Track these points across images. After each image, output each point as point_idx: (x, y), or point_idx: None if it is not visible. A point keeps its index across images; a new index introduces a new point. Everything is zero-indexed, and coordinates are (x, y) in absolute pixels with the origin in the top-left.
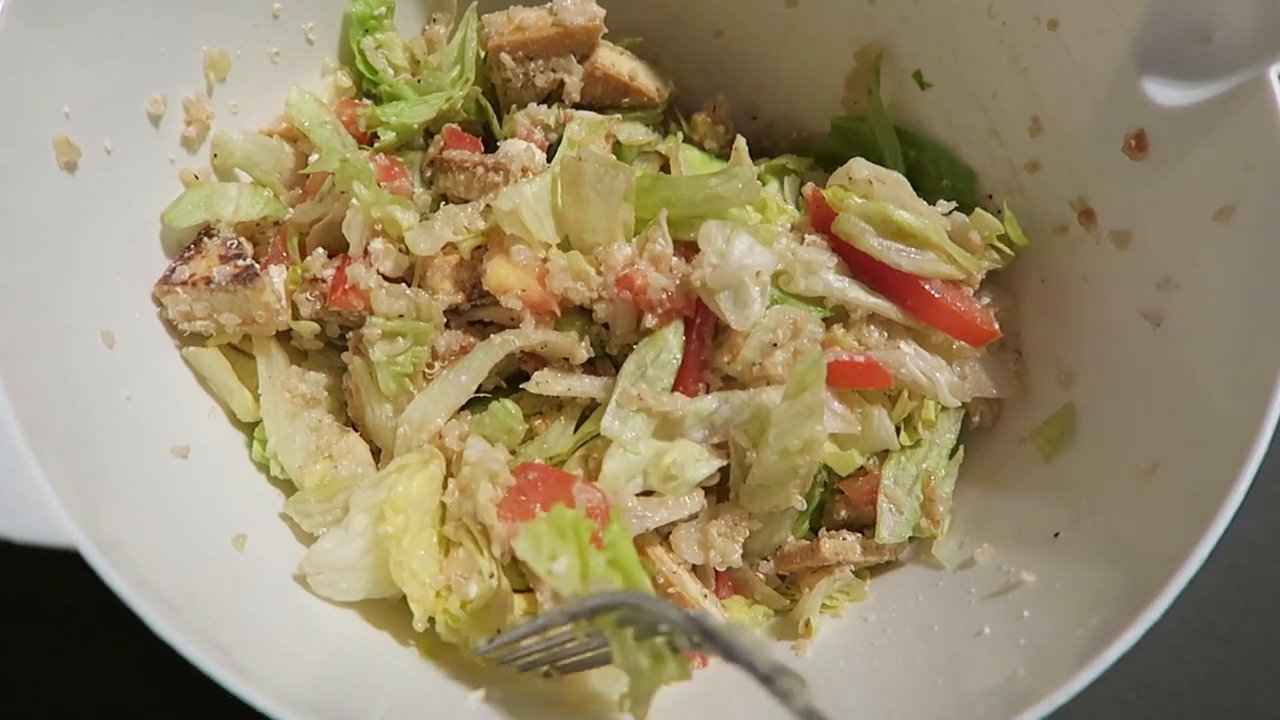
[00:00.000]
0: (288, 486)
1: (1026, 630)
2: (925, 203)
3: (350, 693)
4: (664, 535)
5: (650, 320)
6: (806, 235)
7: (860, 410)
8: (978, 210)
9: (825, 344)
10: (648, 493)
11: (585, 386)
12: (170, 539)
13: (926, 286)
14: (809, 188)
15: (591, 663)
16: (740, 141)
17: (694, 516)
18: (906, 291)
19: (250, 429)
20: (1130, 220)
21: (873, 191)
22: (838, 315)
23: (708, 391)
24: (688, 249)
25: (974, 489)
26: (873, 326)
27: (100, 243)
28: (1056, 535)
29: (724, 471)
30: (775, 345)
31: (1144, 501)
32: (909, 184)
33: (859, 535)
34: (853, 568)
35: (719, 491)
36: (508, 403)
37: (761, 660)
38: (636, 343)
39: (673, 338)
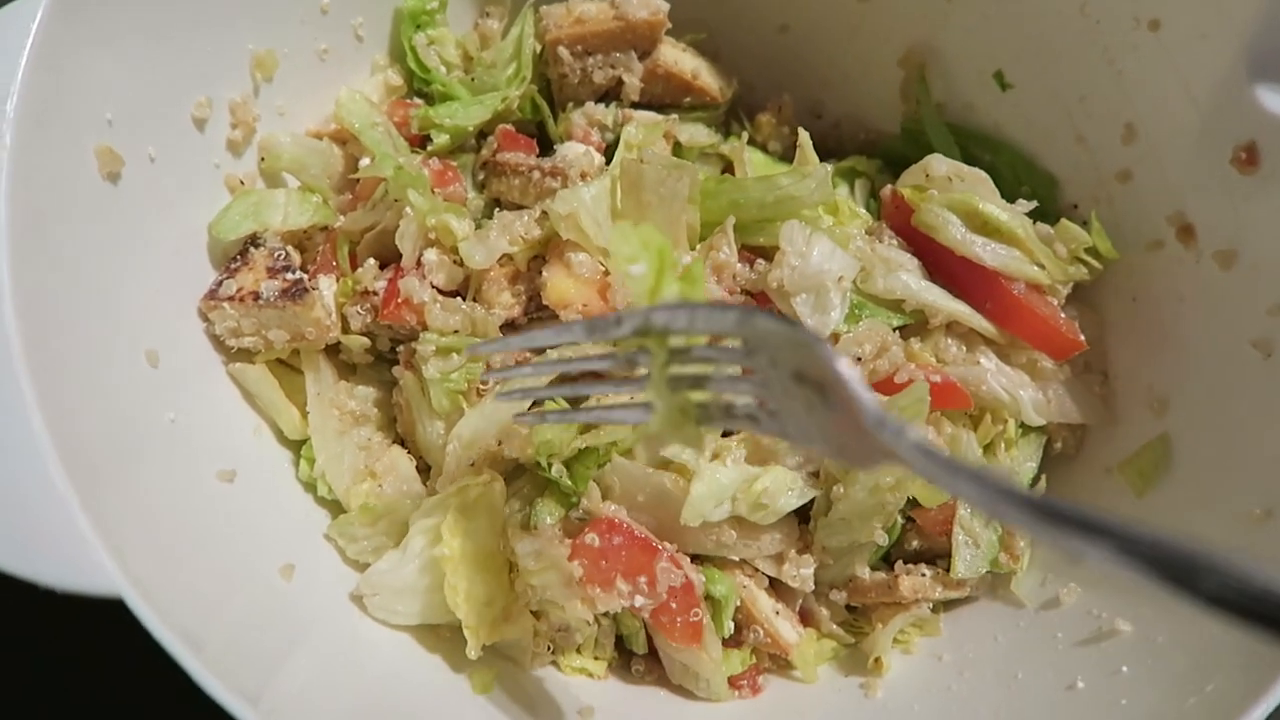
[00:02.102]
0: (335, 506)
1: (1127, 689)
2: (1007, 203)
3: None
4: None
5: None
6: (882, 239)
7: (949, 433)
8: (1063, 221)
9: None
10: (735, 518)
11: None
12: (218, 580)
13: (1010, 287)
14: (887, 189)
15: (606, 414)
16: (804, 136)
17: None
18: (988, 293)
19: (297, 446)
20: (1236, 239)
21: (952, 189)
22: (914, 325)
23: None
24: (754, 255)
25: None
26: (950, 340)
27: (143, 256)
28: None
29: None
30: (859, 360)
31: (1256, 552)
32: (991, 181)
33: (933, 567)
34: (929, 604)
35: (799, 513)
36: (562, 400)
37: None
38: None
39: None
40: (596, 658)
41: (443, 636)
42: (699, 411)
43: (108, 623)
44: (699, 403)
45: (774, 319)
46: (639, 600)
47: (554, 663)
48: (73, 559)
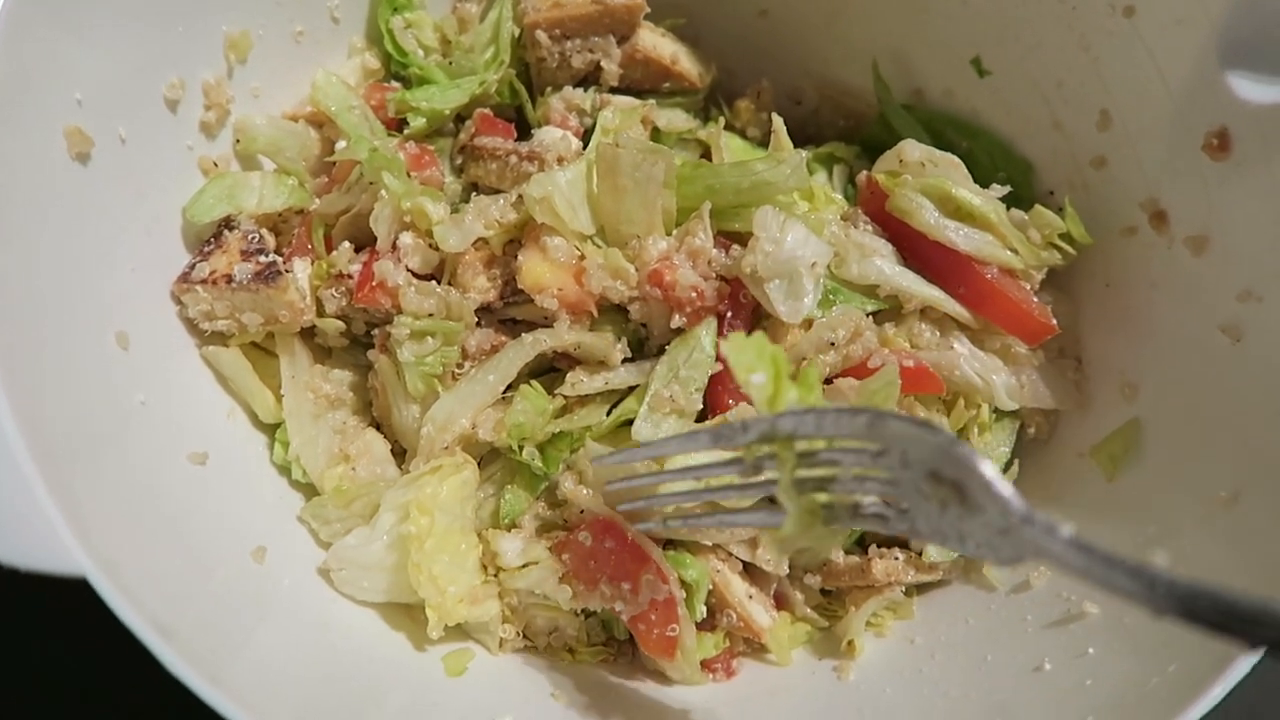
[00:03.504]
0: (309, 490)
1: (1093, 670)
2: (980, 187)
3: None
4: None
5: (678, 319)
6: (857, 225)
7: (921, 418)
8: (1037, 206)
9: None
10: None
11: (622, 378)
12: (188, 561)
13: (983, 271)
14: (863, 175)
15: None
16: (778, 122)
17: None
18: (961, 278)
19: (271, 430)
20: (1208, 225)
21: (925, 174)
22: (888, 310)
23: None
24: (730, 240)
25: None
26: (924, 325)
27: (114, 237)
28: None
29: None
30: (832, 345)
31: (1222, 534)
32: (964, 166)
33: (906, 551)
34: (902, 587)
35: (771, 496)
36: (536, 384)
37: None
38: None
39: (706, 337)
40: (592, 645)
41: (414, 616)
42: (826, 513)
43: (75, 596)
44: (825, 503)
45: (906, 421)
46: (619, 605)
47: (530, 646)
48: (37, 539)
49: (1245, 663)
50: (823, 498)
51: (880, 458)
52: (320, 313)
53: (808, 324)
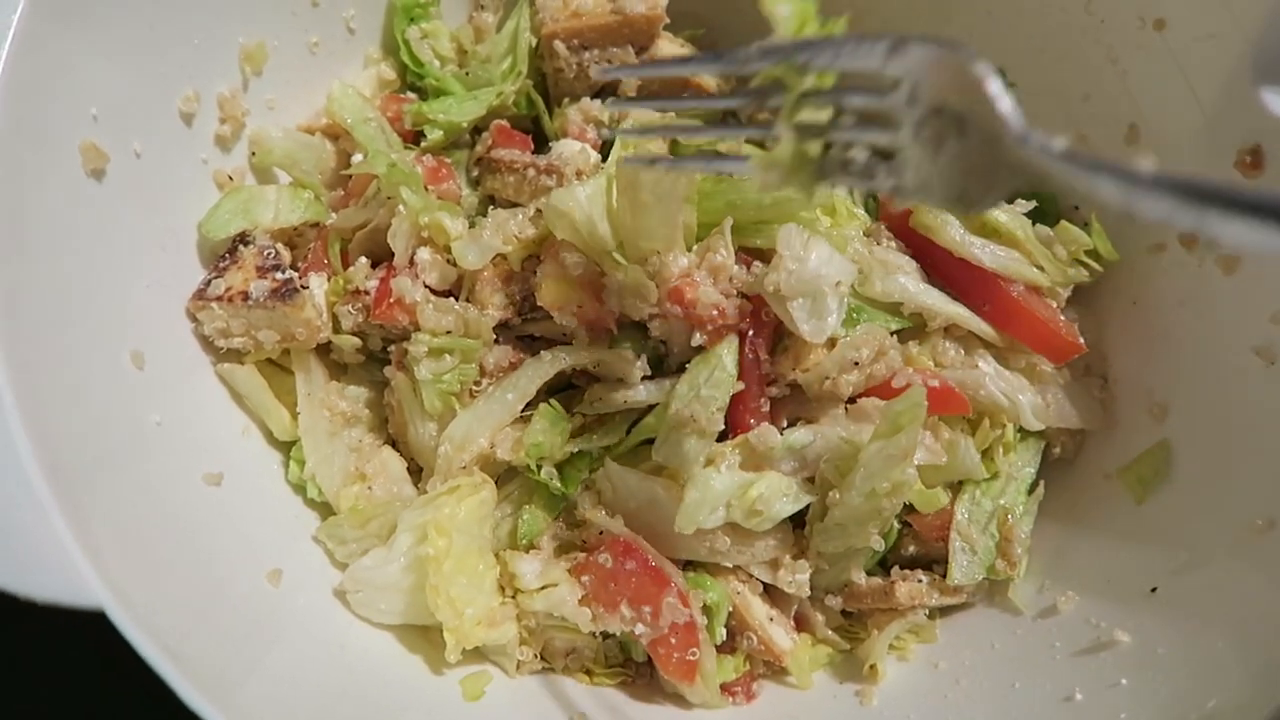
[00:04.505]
0: (324, 509)
1: (1127, 703)
2: (1006, 203)
3: None
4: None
5: (699, 337)
6: (880, 241)
7: (947, 439)
8: (1063, 222)
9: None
10: (729, 525)
11: (641, 396)
12: (202, 585)
13: (1008, 288)
14: None
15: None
16: None
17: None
18: (986, 295)
19: (286, 448)
20: None
21: None
22: (912, 328)
23: (770, 408)
24: (752, 257)
25: (1053, 527)
26: (949, 343)
27: (128, 253)
28: (1154, 590)
29: None
30: (856, 364)
31: (1258, 563)
32: None
33: (929, 573)
34: (925, 610)
35: (794, 518)
36: (555, 402)
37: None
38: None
39: (727, 355)
40: (610, 666)
41: (431, 638)
42: (817, 165)
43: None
44: (819, 154)
45: (925, 41)
46: (639, 628)
47: (549, 669)
48: (53, 570)
49: None
50: (817, 148)
51: (887, 96)
52: (336, 329)
53: (831, 343)
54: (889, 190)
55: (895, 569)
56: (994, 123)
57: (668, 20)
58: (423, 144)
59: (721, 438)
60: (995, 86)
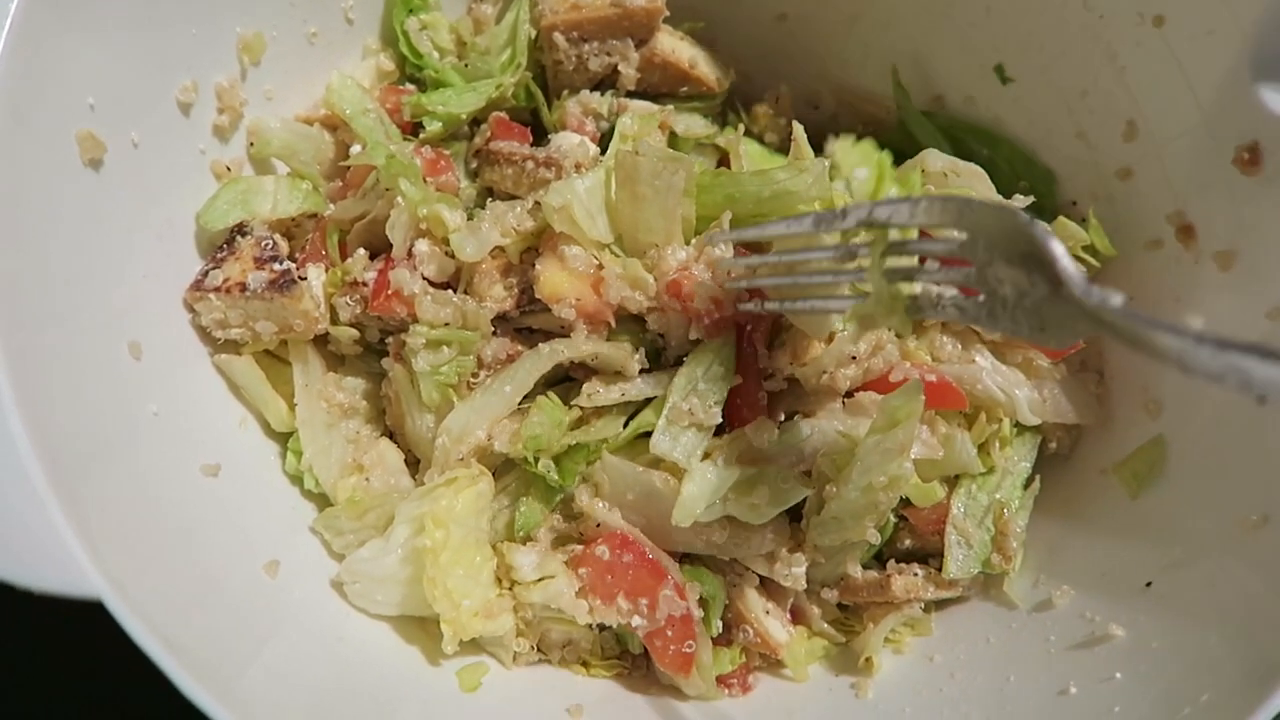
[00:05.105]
0: (321, 500)
1: (1121, 696)
2: (1003, 197)
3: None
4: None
5: (696, 331)
6: None
7: (943, 433)
8: (1060, 217)
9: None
10: (726, 518)
11: (639, 389)
12: (199, 577)
13: None
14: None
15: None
16: (799, 129)
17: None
18: None
19: (284, 439)
20: (1236, 240)
21: (948, 184)
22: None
23: (768, 402)
24: (750, 250)
25: (1049, 522)
26: (946, 337)
27: (126, 244)
28: (1149, 585)
29: None
30: (853, 358)
31: (1252, 559)
32: (988, 177)
33: (925, 567)
34: (920, 604)
35: (790, 512)
36: (553, 395)
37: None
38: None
39: (725, 349)
40: (606, 658)
41: (428, 630)
42: (910, 302)
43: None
44: (910, 295)
45: (990, 205)
46: (636, 620)
47: (545, 660)
48: (52, 561)
49: None
50: (907, 288)
51: (968, 247)
52: (334, 320)
53: (830, 337)
54: (979, 323)
55: (891, 563)
56: (1058, 277)
57: (667, 13)
58: (421, 135)
59: (719, 431)
60: (1057, 249)
